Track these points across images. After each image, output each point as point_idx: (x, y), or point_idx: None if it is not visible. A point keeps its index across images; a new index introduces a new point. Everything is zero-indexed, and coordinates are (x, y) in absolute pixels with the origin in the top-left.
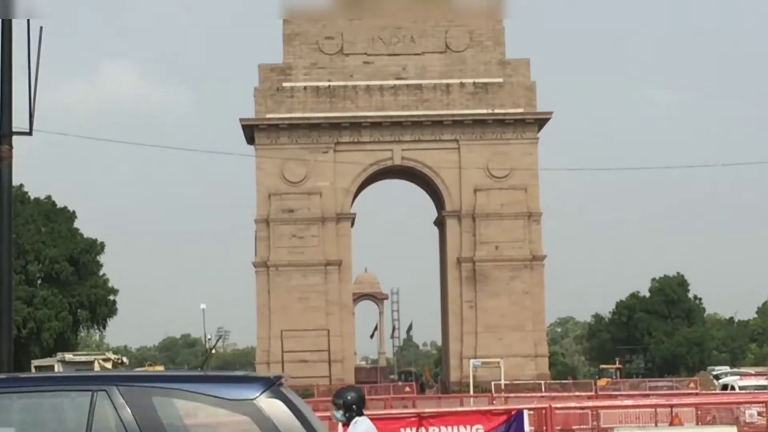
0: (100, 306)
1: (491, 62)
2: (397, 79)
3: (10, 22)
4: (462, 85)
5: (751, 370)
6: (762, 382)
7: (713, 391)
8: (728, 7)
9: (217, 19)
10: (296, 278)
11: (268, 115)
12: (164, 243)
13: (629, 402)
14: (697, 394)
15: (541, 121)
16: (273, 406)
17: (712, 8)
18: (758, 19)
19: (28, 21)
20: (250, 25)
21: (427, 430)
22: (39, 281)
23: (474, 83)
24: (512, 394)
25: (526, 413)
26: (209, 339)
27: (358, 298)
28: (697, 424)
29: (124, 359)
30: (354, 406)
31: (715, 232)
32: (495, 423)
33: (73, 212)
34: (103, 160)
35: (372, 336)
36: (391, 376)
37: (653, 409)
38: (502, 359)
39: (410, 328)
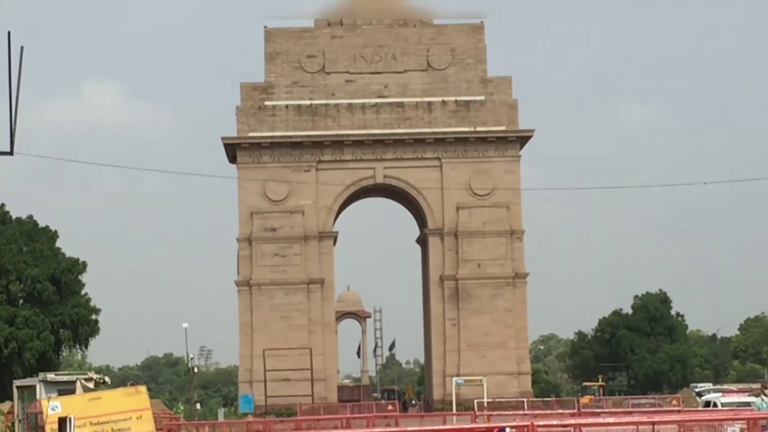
0: (82, 325)
1: (473, 80)
2: (379, 97)
3: None
4: (444, 103)
5: (734, 387)
6: (744, 398)
7: (696, 408)
8: (709, 26)
9: (200, 37)
10: (279, 297)
11: (250, 134)
12: (146, 262)
13: (612, 419)
14: (679, 411)
15: (523, 139)
16: None
17: (694, 26)
18: (739, 37)
19: (9, 41)
20: (232, 43)
21: None
22: (21, 301)
23: (456, 101)
24: (495, 412)
25: (508, 431)
26: (192, 358)
27: (341, 316)
28: None
29: (107, 379)
30: None
31: (698, 249)
32: None
33: (55, 232)
34: (85, 180)
35: (359, 355)
36: (374, 395)
37: (636, 427)
38: (485, 377)
39: (393, 345)
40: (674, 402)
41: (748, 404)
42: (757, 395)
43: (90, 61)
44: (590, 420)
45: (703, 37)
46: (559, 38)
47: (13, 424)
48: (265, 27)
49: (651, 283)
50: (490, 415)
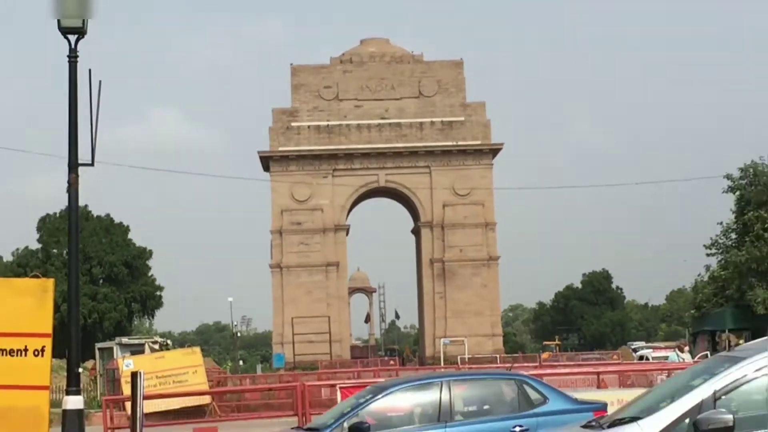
0: (149, 300)
1: (455, 105)
2: (381, 119)
3: (75, 77)
4: (432, 123)
5: (662, 344)
6: (664, 353)
7: (632, 362)
8: (649, 61)
9: (240, 72)
10: (303, 276)
11: (280, 149)
12: (200, 250)
13: (566, 370)
14: (619, 363)
15: (494, 151)
16: None
17: (634, 60)
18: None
19: (90, 76)
20: (266, 77)
21: None
22: (101, 281)
23: (441, 121)
24: (474, 365)
25: None
26: (235, 325)
27: (353, 291)
28: (619, 387)
29: (169, 342)
30: None
31: (633, 235)
32: None
33: (128, 226)
34: (151, 186)
35: (367, 321)
36: (379, 353)
37: (585, 376)
38: (466, 338)
39: (397, 315)
40: (615, 357)
41: (666, 358)
42: (672, 350)
43: (155, 92)
44: (549, 371)
45: (640, 68)
46: (525, 69)
47: (95, 377)
48: (291, 64)
49: (596, 263)
50: (471, 367)
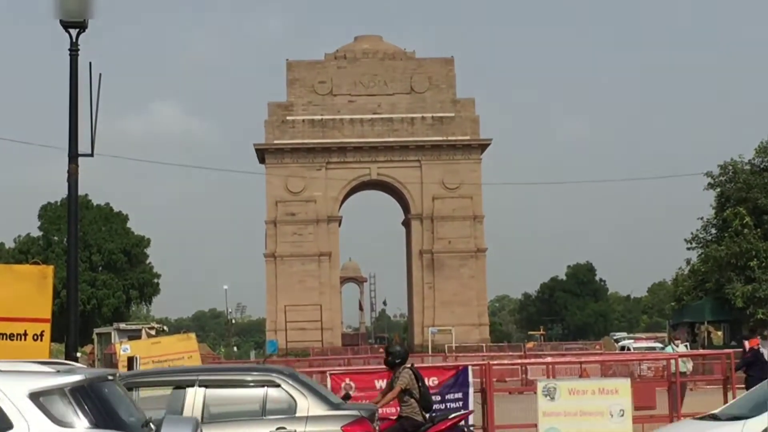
0: (147, 287)
1: (445, 101)
2: (374, 113)
3: (76, 70)
4: (423, 118)
5: (643, 335)
6: (651, 344)
7: (614, 352)
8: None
9: (237, 67)
10: (297, 266)
11: (275, 141)
12: (197, 238)
13: (550, 359)
14: (601, 353)
15: (483, 146)
16: None
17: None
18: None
19: (90, 69)
20: (263, 72)
21: None
22: (100, 268)
23: (432, 117)
24: (461, 354)
25: (470, 368)
26: (230, 312)
27: (344, 280)
28: (601, 376)
29: (165, 328)
30: None
31: (617, 229)
32: (447, 376)
33: (126, 215)
34: (150, 176)
35: (361, 308)
36: (369, 341)
37: (568, 365)
38: (453, 327)
39: (385, 303)
40: (597, 347)
41: (653, 348)
42: (662, 342)
43: (155, 85)
44: (533, 360)
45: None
46: (514, 67)
47: (93, 362)
48: (287, 59)
49: (581, 255)
50: (457, 356)
